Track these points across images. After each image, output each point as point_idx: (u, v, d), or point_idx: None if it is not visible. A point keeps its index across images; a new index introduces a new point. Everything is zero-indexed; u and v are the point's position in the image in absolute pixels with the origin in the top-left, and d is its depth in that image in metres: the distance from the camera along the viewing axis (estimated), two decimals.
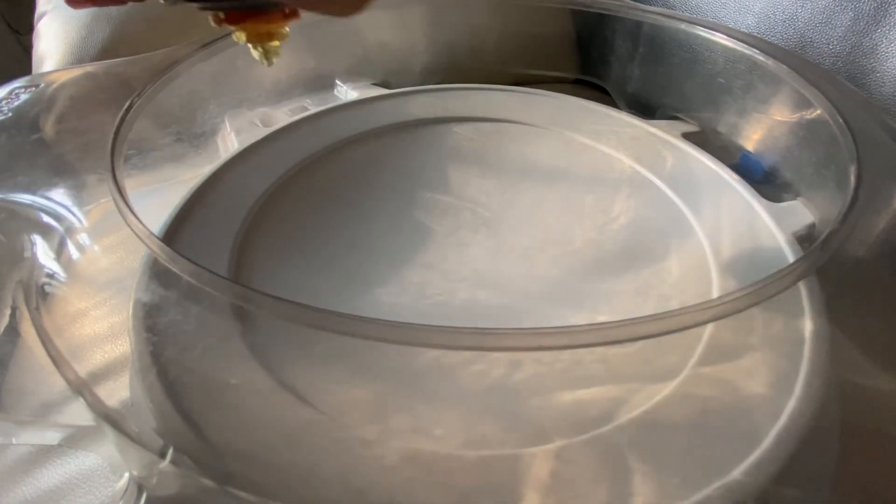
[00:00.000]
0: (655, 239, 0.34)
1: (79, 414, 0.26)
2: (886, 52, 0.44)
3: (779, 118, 0.39)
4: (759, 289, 0.23)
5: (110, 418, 0.24)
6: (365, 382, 0.26)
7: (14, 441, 0.27)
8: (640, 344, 0.26)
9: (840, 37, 0.46)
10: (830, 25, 0.46)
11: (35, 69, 0.58)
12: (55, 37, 0.55)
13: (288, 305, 0.22)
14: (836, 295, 0.29)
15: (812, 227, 0.34)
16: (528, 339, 0.21)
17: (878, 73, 0.44)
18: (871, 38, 0.44)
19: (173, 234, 0.32)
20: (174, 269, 0.23)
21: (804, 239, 0.33)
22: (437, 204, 0.37)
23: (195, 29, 0.43)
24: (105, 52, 0.52)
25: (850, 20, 0.45)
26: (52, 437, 0.26)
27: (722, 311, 0.22)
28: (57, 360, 0.25)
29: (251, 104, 0.43)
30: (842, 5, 0.45)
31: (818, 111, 0.34)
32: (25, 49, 0.74)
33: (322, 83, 0.46)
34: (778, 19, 0.48)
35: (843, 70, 0.45)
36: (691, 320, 0.23)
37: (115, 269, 0.29)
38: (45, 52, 0.55)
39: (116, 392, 0.25)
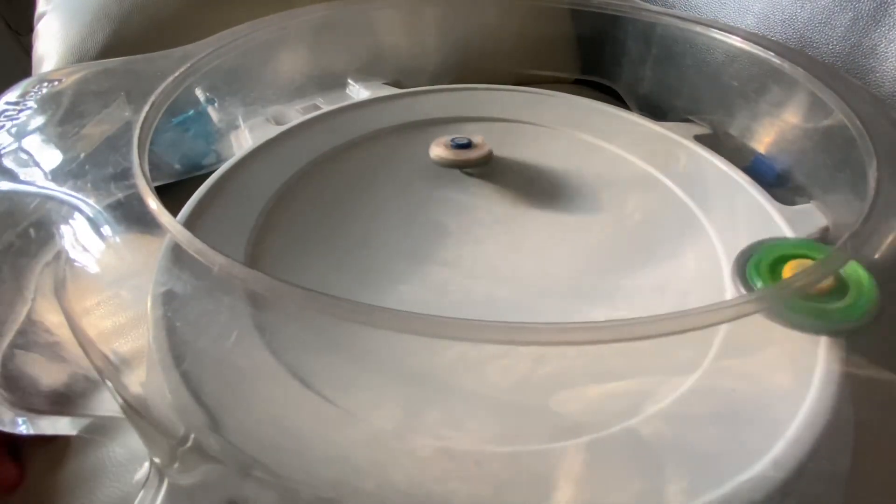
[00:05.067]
0: (668, 239, 0.34)
1: (98, 403, 0.26)
2: (886, 52, 0.44)
3: (793, 121, 0.39)
4: (788, 285, 0.23)
5: (133, 404, 0.24)
6: (392, 377, 0.26)
7: (32, 431, 0.27)
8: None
9: (840, 37, 0.46)
10: (830, 25, 0.46)
11: (35, 70, 0.58)
12: (55, 37, 0.55)
13: (324, 298, 0.22)
14: None
15: (826, 230, 0.34)
16: (571, 334, 0.21)
17: (878, 72, 0.44)
18: (870, 38, 0.45)
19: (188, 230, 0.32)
20: (203, 262, 0.23)
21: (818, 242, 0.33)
22: (450, 201, 0.37)
23: (195, 30, 0.43)
24: (105, 53, 0.52)
25: (850, 20, 0.45)
26: (69, 426, 0.26)
27: (749, 308, 0.22)
28: (84, 345, 0.25)
29: (265, 102, 0.43)
30: (841, 5, 0.46)
31: (835, 114, 0.34)
32: (25, 49, 0.74)
33: (334, 82, 0.46)
34: (777, 19, 0.48)
35: (843, 70, 0.45)
36: (714, 318, 0.23)
37: (137, 259, 0.29)
38: (45, 53, 0.55)
39: (138, 378, 0.25)
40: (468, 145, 0.38)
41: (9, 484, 0.29)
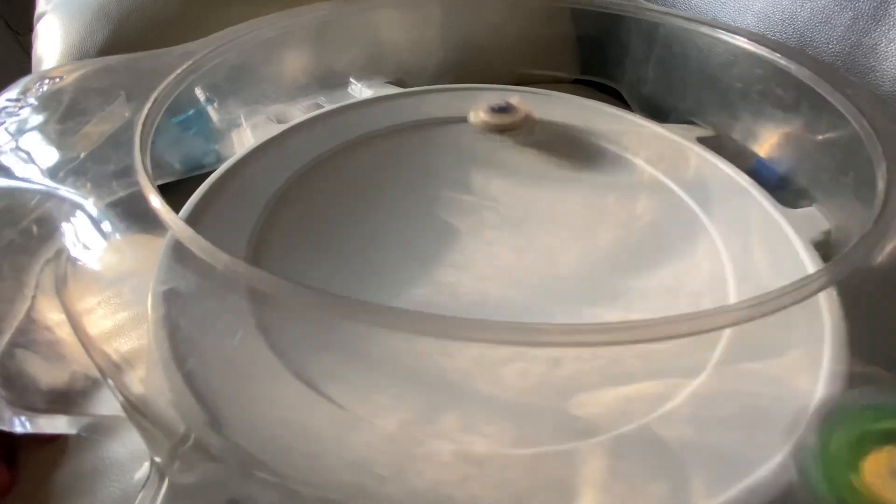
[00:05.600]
0: (673, 242, 0.34)
1: (99, 402, 0.25)
2: (886, 52, 0.44)
3: (796, 123, 0.39)
4: (800, 287, 0.23)
5: (134, 403, 0.24)
6: (392, 378, 0.26)
7: (32, 430, 0.26)
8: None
9: (839, 36, 0.46)
10: (830, 25, 0.46)
11: (35, 69, 0.58)
12: (55, 37, 0.54)
13: (335, 298, 0.22)
14: (855, 295, 0.29)
15: (828, 233, 0.34)
16: (590, 335, 0.21)
17: (878, 71, 0.44)
18: (870, 38, 0.45)
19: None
20: (207, 260, 0.23)
21: (820, 246, 0.33)
22: (456, 202, 0.36)
23: (195, 30, 0.43)
24: (104, 53, 0.52)
25: (850, 19, 0.45)
26: (69, 425, 0.26)
27: (768, 307, 0.22)
28: (85, 343, 0.24)
29: (267, 101, 0.42)
30: (841, 5, 0.46)
31: (841, 116, 0.34)
32: (25, 49, 0.74)
33: (336, 81, 0.46)
34: (777, 19, 0.48)
35: (843, 69, 0.45)
36: (724, 320, 0.23)
37: (138, 257, 0.29)
38: (45, 53, 0.55)
39: (139, 377, 0.25)
40: (506, 109, 0.41)
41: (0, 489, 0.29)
